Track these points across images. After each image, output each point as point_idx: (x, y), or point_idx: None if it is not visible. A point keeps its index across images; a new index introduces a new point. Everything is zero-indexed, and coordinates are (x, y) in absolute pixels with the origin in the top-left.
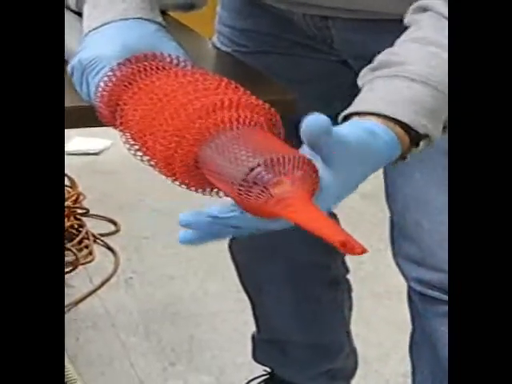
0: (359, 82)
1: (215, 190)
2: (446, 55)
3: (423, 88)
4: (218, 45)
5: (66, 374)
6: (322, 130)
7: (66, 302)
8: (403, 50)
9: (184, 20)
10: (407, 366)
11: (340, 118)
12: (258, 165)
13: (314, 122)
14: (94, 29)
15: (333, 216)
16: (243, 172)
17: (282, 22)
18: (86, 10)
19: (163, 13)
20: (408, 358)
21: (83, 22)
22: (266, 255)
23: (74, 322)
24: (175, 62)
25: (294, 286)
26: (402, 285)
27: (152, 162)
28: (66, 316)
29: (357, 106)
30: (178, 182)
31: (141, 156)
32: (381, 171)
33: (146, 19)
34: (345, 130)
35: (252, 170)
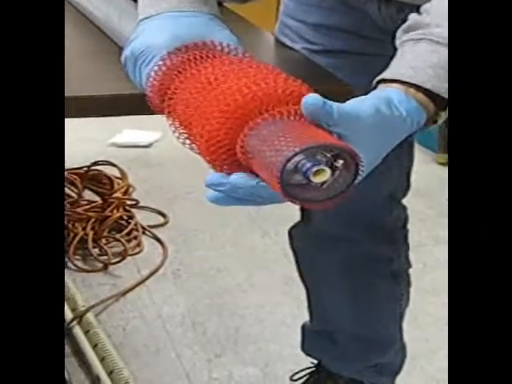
0: (396, 44)
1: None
2: None
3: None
4: (282, 38)
5: (112, 362)
6: (318, 108)
7: (114, 292)
8: (435, 8)
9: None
10: None
11: (372, 85)
12: (298, 152)
13: (308, 101)
14: (146, 17)
15: None
16: (284, 159)
17: (356, 15)
18: None
19: (220, 5)
20: None
21: (138, 9)
22: (327, 244)
23: (121, 311)
24: (226, 50)
25: (353, 276)
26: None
27: (197, 149)
28: (114, 306)
29: (384, 72)
30: (218, 169)
31: (188, 144)
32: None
33: (199, 11)
34: (356, 104)
35: (292, 157)
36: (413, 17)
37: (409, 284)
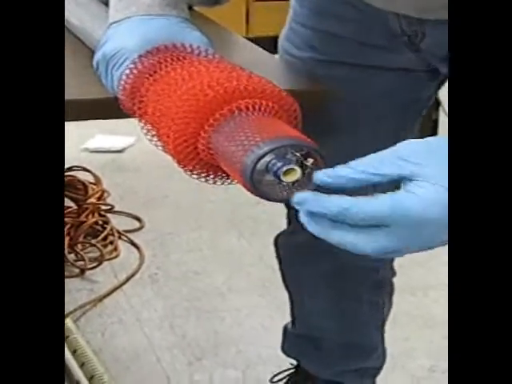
0: None
1: (224, 177)
2: None
3: None
4: (286, 45)
5: (92, 368)
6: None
7: (92, 297)
8: None
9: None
10: (433, 361)
11: None
12: (268, 152)
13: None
14: (116, 21)
15: None
16: (253, 159)
17: (369, 22)
18: (111, 1)
19: (189, 9)
20: (433, 353)
21: (109, 13)
22: (312, 255)
23: (100, 317)
24: (196, 51)
25: (337, 286)
26: (426, 280)
27: (167, 150)
28: (92, 311)
29: None
30: (188, 169)
31: (160, 144)
32: None
33: (169, 15)
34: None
35: (262, 157)
36: None
37: (392, 292)
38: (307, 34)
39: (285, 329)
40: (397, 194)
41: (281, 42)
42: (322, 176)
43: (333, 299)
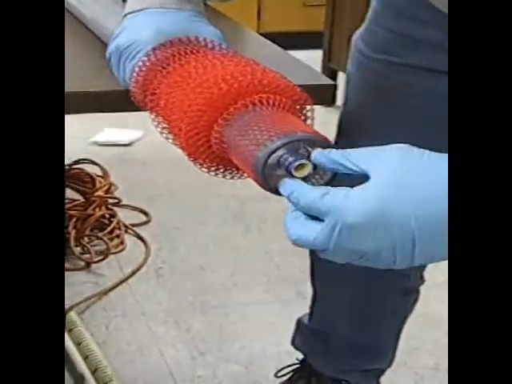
0: None
1: (234, 171)
2: None
3: None
4: (359, 44)
5: (96, 361)
6: None
7: (97, 290)
8: None
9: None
10: (436, 359)
11: None
12: (280, 146)
13: None
14: (131, 12)
15: None
16: (266, 153)
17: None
18: None
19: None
20: (437, 351)
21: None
22: None
23: (104, 310)
24: (210, 45)
25: (365, 288)
26: (431, 278)
27: (178, 143)
28: (97, 304)
29: None
30: (198, 163)
31: (170, 138)
32: None
33: (183, 8)
34: None
35: (275, 151)
36: None
37: (417, 299)
38: (384, 36)
39: (298, 321)
40: (343, 189)
41: (355, 41)
42: (316, 153)
43: (357, 299)
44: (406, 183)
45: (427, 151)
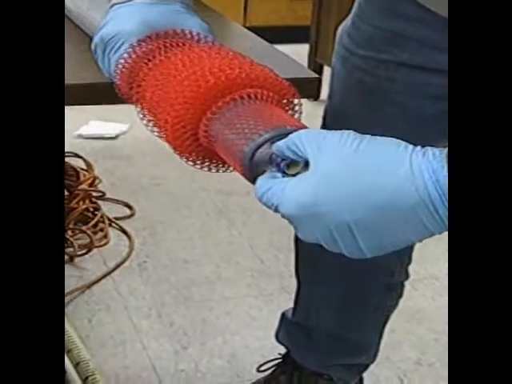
0: None
1: (219, 165)
2: None
3: None
4: (345, 39)
5: (78, 354)
6: None
7: (80, 284)
8: None
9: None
10: (419, 354)
11: None
12: (269, 139)
13: None
14: (117, 3)
15: None
16: (253, 147)
17: (437, 24)
18: None
19: None
20: (420, 346)
21: None
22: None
23: (87, 304)
24: (196, 38)
25: (350, 282)
26: (414, 273)
27: (164, 136)
28: (80, 298)
29: None
30: (184, 156)
31: (156, 131)
32: None
33: (172, 1)
34: None
35: (262, 145)
36: None
37: (401, 295)
38: (369, 32)
39: (282, 315)
40: (284, 182)
41: (340, 37)
42: (278, 142)
43: (341, 293)
44: (341, 173)
45: (368, 136)
